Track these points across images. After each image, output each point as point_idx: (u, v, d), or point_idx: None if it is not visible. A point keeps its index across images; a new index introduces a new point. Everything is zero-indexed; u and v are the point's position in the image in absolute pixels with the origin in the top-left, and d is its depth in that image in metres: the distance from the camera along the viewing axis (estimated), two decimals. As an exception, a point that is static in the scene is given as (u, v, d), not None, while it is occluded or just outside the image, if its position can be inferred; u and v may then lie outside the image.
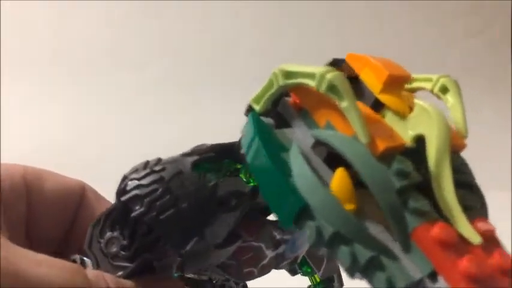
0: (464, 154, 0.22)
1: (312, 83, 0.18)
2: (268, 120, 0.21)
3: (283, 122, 0.21)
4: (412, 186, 0.17)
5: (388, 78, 0.20)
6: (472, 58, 1.02)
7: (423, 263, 0.16)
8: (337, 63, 0.22)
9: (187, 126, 0.78)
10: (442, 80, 0.22)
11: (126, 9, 0.93)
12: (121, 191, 0.23)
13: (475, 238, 0.17)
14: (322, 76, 0.18)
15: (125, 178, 0.23)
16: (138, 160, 0.25)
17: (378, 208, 0.17)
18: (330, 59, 0.23)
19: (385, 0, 0.97)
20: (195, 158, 0.24)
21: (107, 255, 0.23)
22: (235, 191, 0.24)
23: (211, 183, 0.23)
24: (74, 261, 0.24)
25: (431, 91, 0.22)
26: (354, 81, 0.21)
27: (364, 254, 0.16)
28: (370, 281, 0.16)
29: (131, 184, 0.23)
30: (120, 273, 0.23)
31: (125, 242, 0.23)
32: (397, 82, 0.21)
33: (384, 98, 0.20)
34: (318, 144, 0.19)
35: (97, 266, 0.23)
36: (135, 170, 0.24)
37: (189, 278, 0.29)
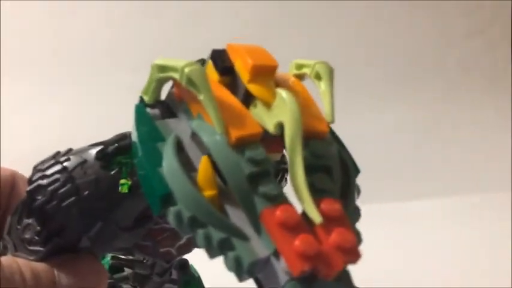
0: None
1: (177, 76, 0.19)
2: (153, 112, 0.22)
3: (171, 113, 0.22)
4: (263, 172, 0.19)
5: (253, 68, 0.21)
6: (472, 58, 1.02)
7: (268, 243, 0.18)
8: (216, 54, 0.22)
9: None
10: (317, 67, 0.22)
11: (126, 9, 0.93)
12: (28, 181, 0.24)
13: (317, 218, 0.18)
14: (182, 70, 0.19)
15: (33, 168, 0.25)
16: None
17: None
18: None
19: (385, 0, 0.97)
20: (100, 147, 0.25)
21: (23, 240, 0.24)
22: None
23: (113, 171, 0.24)
24: None
25: (310, 77, 0.23)
26: (232, 71, 0.22)
27: (216, 236, 0.18)
28: (225, 262, 0.18)
29: (36, 175, 0.24)
30: (34, 257, 0.24)
31: (38, 228, 0.24)
32: (264, 72, 0.21)
33: (251, 87, 0.21)
34: (195, 134, 0.20)
35: (15, 251, 0.25)
36: (43, 161, 0.25)
37: (122, 258, 0.31)
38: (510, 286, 0.58)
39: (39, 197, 0.23)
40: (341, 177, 0.21)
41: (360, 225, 0.23)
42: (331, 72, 0.22)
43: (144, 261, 0.32)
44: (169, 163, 0.19)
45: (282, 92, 0.20)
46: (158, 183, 0.19)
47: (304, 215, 0.18)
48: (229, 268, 0.17)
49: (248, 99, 0.21)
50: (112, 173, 0.24)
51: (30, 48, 0.92)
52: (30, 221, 0.24)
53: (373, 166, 0.50)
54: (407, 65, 0.99)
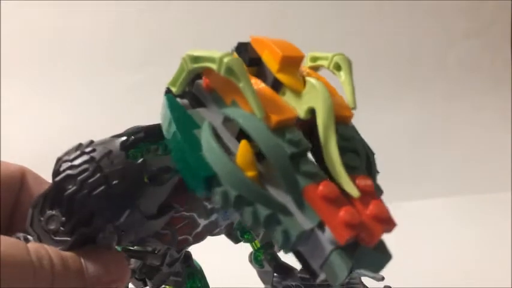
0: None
1: (214, 66, 0.21)
2: (183, 102, 0.24)
3: (198, 102, 0.24)
4: (302, 152, 0.20)
5: (282, 59, 0.22)
6: (472, 58, 1.02)
7: (312, 216, 0.19)
8: (242, 47, 0.24)
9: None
10: (336, 58, 0.24)
11: (126, 10, 0.93)
12: (55, 173, 0.24)
13: (355, 192, 0.19)
14: (221, 60, 0.20)
15: (58, 160, 0.25)
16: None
17: (275, 174, 0.20)
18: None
19: (385, 0, 0.97)
20: (124, 138, 0.26)
21: (48, 231, 0.25)
22: (164, 166, 0.26)
23: (138, 160, 0.25)
24: (18, 238, 0.25)
25: (328, 68, 0.25)
26: (259, 62, 0.24)
27: (263, 212, 0.19)
28: (271, 236, 0.19)
29: (64, 165, 0.24)
30: (61, 247, 0.24)
31: (63, 219, 0.24)
32: (292, 62, 0.23)
33: (280, 77, 0.22)
34: (227, 120, 0.22)
35: (39, 242, 0.25)
36: (67, 153, 0.25)
37: (133, 250, 0.32)
38: (510, 286, 0.58)
39: (69, 187, 0.24)
40: (365, 158, 0.23)
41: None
42: (349, 63, 0.24)
43: (156, 252, 0.32)
44: (210, 147, 0.20)
45: (313, 80, 0.22)
46: (202, 166, 0.20)
47: (342, 191, 0.20)
48: (278, 242, 0.18)
49: (276, 88, 0.23)
50: (138, 162, 0.25)
51: (30, 48, 0.92)
52: (54, 212, 0.25)
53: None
54: (407, 65, 0.99)
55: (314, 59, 0.26)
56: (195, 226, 0.30)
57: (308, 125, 0.22)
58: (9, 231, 0.26)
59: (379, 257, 0.19)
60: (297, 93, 0.22)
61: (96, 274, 0.24)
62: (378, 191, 0.22)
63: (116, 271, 0.25)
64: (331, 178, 0.20)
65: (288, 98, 0.22)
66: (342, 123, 0.23)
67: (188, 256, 0.35)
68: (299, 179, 0.19)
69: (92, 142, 0.26)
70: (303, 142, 0.20)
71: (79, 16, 0.92)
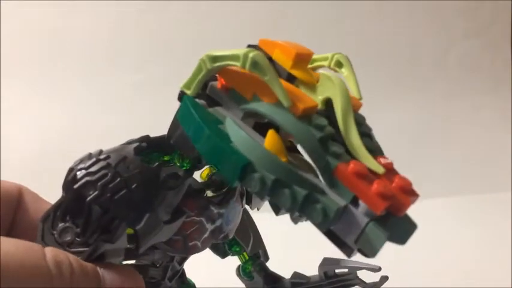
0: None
1: (237, 63, 0.22)
2: (201, 102, 0.24)
3: (213, 103, 0.25)
4: (328, 136, 0.22)
5: (296, 56, 0.24)
6: (472, 58, 1.02)
7: (346, 193, 0.20)
8: (252, 48, 0.24)
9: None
10: (337, 57, 0.26)
11: (126, 10, 0.93)
12: (71, 181, 0.25)
13: (380, 169, 0.21)
14: (246, 56, 0.21)
15: (72, 170, 0.25)
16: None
17: (302, 161, 0.22)
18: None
19: (385, 0, 0.97)
20: (136, 144, 0.26)
21: (62, 244, 0.24)
22: (172, 173, 0.27)
23: (153, 165, 0.26)
24: None
25: (329, 66, 0.27)
26: (270, 61, 0.24)
27: (301, 192, 0.20)
28: (308, 215, 0.20)
29: (80, 173, 0.25)
30: (78, 257, 0.24)
31: (78, 230, 0.24)
32: (303, 59, 0.25)
33: (294, 72, 0.24)
34: (246, 116, 0.23)
35: None
36: (81, 161, 0.25)
37: (133, 264, 0.31)
38: (510, 286, 0.58)
39: (90, 193, 0.24)
40: (376, 141, 0.25)
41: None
42: (349, 59, 0.26)
43: (157, 265, 0.32)
44: (242, 137, 0.21)
45: (327, 73, 0.24)
46: (237, 156, 0.21)
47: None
48: (316, 219, 0.20)
49: (290, 83, 0.24)
50: (154, 166, 0.26)
51: (30, 48, 0.92)
52: (67, 224, 0.24)
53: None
54: (407, 65, 0.99)
55: (311, 61, 0.27)
56: (203, 231, 0.30)
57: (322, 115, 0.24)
58: None
59: (407, 227, 0.21)
60: (311, 86, 0.24)
61: (113, 284, 0.24)
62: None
63: (132, 283, 0.25)
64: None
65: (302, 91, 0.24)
66: (354, 111, 0.24)
67: (182, 272, 0.35)
68: (329, 159, 0.21)
69: (102, 151, 0.26)
70: (327, 126, 0.22)
71: (79, 16, 0.92)
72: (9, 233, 0.27)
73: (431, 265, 0.64)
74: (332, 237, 0.21)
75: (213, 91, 0.25)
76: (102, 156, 0.25)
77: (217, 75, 0.25)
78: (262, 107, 0.22)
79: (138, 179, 0.25)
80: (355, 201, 0.20)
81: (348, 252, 0.21)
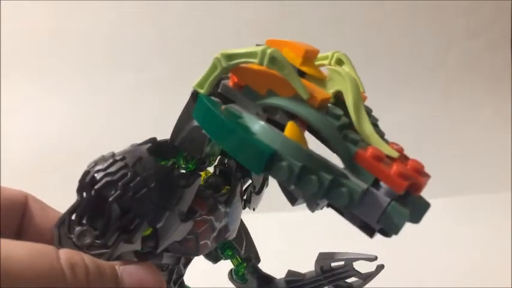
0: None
1: (254, 60, 0.22)
2: (216, 100, 0.25)
3: (225, 101, 0.25)
4: (345, 125, 0.23)
5: (305, 53, 0.25)
6: (472, 58, 1.02)
7: (367, 176, 0.22)
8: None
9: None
10: (337, 55, 0.27)
11: (126, 9, 0.93)
12: (89, 183, 0.24)
13: (394, 153, 0.23)
14: (264, 52, 0.22)
15: (88, 172, 0.25)
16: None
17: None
18: None
19: (385, 0, 0.97)
20: (149, 145, 0.27)
21: (81, 247, 0.24)
22: (181, 173, 0.28)
23: (168, 164, 0.26)
24: None
25: (329, 65, 0.28)
26: None
27: (327, 177, 0.21)
28: (334, 199, 0.21)
29: (99, 174, 0.25)
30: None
31: (96, 232, 0.24)
32: (311, 55, 0.26)
33: (304, 69, 0.25)
34: (261, 111, 0.24)
35: None
36: (96, 164, 0.25)
37: None
38: (510, 286, 0.58)
39: (112, 192, 0.24)
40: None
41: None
42: (348, 57, 0.27)
43: (163, 269, 0.32)
44: (264, 128, 0.22)
45: (336, 68, 0.25)
46: (263, 146, 0.21)
47: None
48: (343, 202, 0.21)
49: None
50: (168, 165, 0.26)
51: (30, 48, 0.92)
52: (84, 227, 0.24)
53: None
54: (407, 65, 0.99)
55: None
56: (213, 230, 0.31)
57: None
58: None
59: (422, 206, 0.22)
60: (320, 81, 0.25)
61: (132, 284, 0.23)
62: None
63: (153, 280, 0.24)
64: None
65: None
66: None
67: (182, 279, 0.35)
68: (349, 146, 0.22)
69: (114, 153, 0.26)
70: (343, 116, 0.23)
71: (79, 16, 0.92)
72: (18, 238, 0.27)
73: (431, 265, 0.64)
74: (353, 220, 0.23)
75: (226, 89, 0.25)
76: (118, 157, 0.25)
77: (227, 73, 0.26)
78: (282, 100, 0.23)
79: (155, 178, 0.25)
80: (375, 184, 0.22)
81: (370, 233, 0.23)
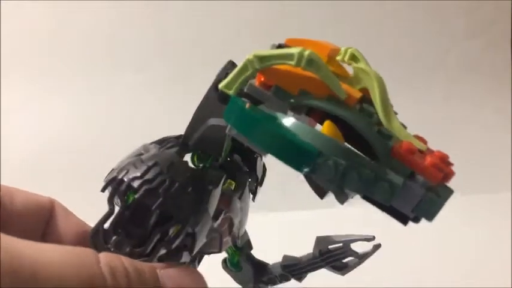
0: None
1: (290, 62, 0.22)
2: (245, 100, 0.25)
3: (255, 101, 0.25)
4: (378, 122, 0.24)
5: (331, 52, 0.26)
6: (472, 58, 1.02)
7: (403, 169, 0.23)
8: (281, 47, 0.26)
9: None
10: (350, 51, 0.28)
11: (126, 9, 0.93)
12: (126, 192, 0.24)
13: (424, 146, 0.24)
14: (301, 54, 0.22)
15: (122, 181, 0.24)
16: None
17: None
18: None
19: (385, 0, 0.97)
20: (177, 148, 0.27)
21: None
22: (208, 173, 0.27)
23: (200, 166, 0.26)
24: None
25: (342, 61, 0.28)
26: None
27: (370, 174, 0.21)
28: (375, 193, 0.22)
29: (136, 182, 0.24)
30: None
31: (134, 241, 0.24)
32: (334, 54, 0.27)
33: (330, 67, 0.25)
34: (289, 112, 0.24)
35: None
36: (128, 171, 0.25)
37: None
38: (510, 286, 0.58)
39: (154, 200, 0.24)
40: None
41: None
42: (361, 53, 0.28)
43: None
44: (305, 128, 0.22)
45: (362, 66, 0.26)
46: (309, 147, 0.22)
47: None
48: (384, 196, 0.22)
49: None
50: (200, 167, 0.26)
51: (30, 48, 0.92)
52: (121, 237, 0.24)
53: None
54: (406, 65, 0.99)
55: None
56: (232, 226, 0.31)
57: None
58: None
59: (449, 192, 0.24)
60: (345, 79, 0.26)
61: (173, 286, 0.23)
62: None
63: (194, 286, 0.24)
64: None
65: None
66: None
67: None
68: (385, 141, 0.23)
69: (141, 159, 0.25)
70: (375, 114, 0.24)
71: (79, 16, 0.92)
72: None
73: (431, 265, 0.64)
74: (386, 210, 0.24)
75: (254, 89, 0.25)
76: (150, 163, 0.25)
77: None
78: (320, 101, 0.24)
79: (191, 182, 0.25)
80: (411, 176, 0.23)
81: (404, 221, 0.24)
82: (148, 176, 0.24)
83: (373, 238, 0.33)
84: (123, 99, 0.92)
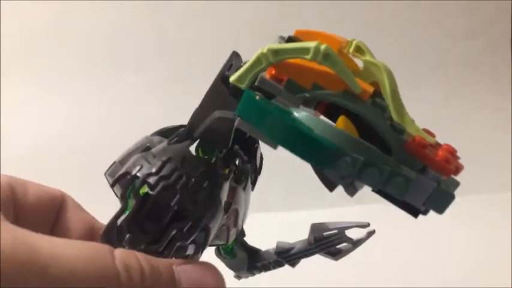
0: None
1: (306, 56, 0.22)
2: (258, 94, 0.24)
3: (268, 94, 0.25)
4: (390, 116, 0.24)
5: (341, 45, 0.26)
6: (472, 58, 1.01)
7: (415, 164, 0.23)
8: (292, 40, 0.26)
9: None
10: (356, 42, 0.27)
11: (126, 9, 0.93)
12: (138, 188, 0.23)
13: (433, 140, 0.24)
14: (317, 49, 0.22)
15: (135, 177, 0.24)
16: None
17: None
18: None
19: (385, 0, 0.97)
20: (188, 142, 0.26)
21: None
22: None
23: (212, 160, 0.26)
24: None
25: (348, 52, 0.27)
26: None
27: (386, 169, 0.22)
28: (390, 188, 0.22)
29: (152, 179, 0.24)
30: None
31: (149, 237, 0.24)
32: (343, 46, 0.27)
33: None
34: (302, 106, 0.24)
35: None
36: (141, 166, 0.24)
37: None
38: (510, 286, 0.58)
39: (171, 196, 0.23)
40: None
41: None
42: (367, 45, 0.27)
43: None
44: (322, 124, 0.23)
45: (371, 59, 0.26)
46: (327, 142, 0.22)
47: None
48: (399, 190, 0.22)
49: None
50: (212, 161, 0.26)
51: (30, 48, 0.92)
52: (136, 234, 0.24)
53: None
54: (406, 65, 0.99)
55: None
56: (238, 218, 0.30)
57: None
58: None
59: (456, 184, 0.24)
60: (356, 73, 0.25)
61: (190, 285, 0.22)
62: None
63: (212, 283, 0.23)
64: None
65: None
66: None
67: None
68: (398, 135, 0.23)
69: (153, 154, 0.25)
70: (388, 108, 0.24)
71: (79, 16, 0.92)
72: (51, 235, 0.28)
73: (431, 265, 0.64)
74: (396, 203, 0.24)
75: (265, 82, 0.24)
76: (164, 158, 0.24)
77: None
78: (334, 95, 0.23)
79: (205, 177, 0.24)
80: (424, 170, 0.23)
81: (415, 213, 0.24)
82: (164, 172, 0.24)
83: (368, 225, 0.33)
84: (123, 99, 0.92)
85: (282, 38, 0.27)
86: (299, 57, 0.23)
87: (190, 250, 0.29)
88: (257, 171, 0.34)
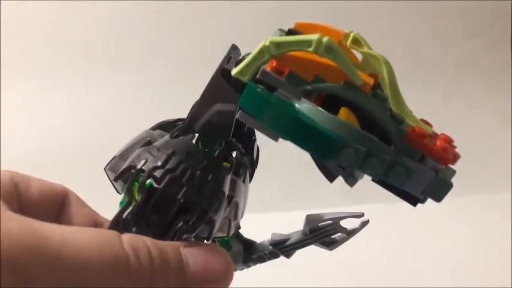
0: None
1: (308, 48, 0.22)
2: (261, 87, 0.24)
3: (269, 87, 0.25)
4: (389, 106, 0.24)
5: (342, 37, 0.26)
6: (472, 58, 1.02)
7: (415, 153, 0.23)
8: (293, 32, 0.26)
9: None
10: (353, 35, 0.27)
11: (126, 9, 0.93)
12: (144, 182, 0.24)
13: (431, 130, 0.25)
14: (320, 41, 0.22)
15: (140, 170, 0.24)
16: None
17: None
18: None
19: (385, 0, 0.97)
20: (192, 135, 0.26)
21: None
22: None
23: (215, 153, 0.26)
24: None
25: (346, 44, 0.28)
26: None
27: (387, 159, 0.22)
28: (392, 178, 0.22)
29: (158, 172, 0.24)
30: None
31: (155, 230, 0.24)
32: (343, 39, 0.27)
33: None
34: (303, 98, 0.24)
35: None
36: (146, 160, 0.24)
37: None
38: (510, 286, 0.58)
39: (178, 189, 0.23)
40: None
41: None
42: (364, 38, 0.28)
43: None
44: (327, 117, 0.23)
45: (370, 51, 0.26)
46: (331, 133, 0.22)
47: None
48: (400, 180, 0.22)
49: None
50: (216, 154, 0.26)
51: (30, 48, 0.92)
52: (142, 228, 0.24)
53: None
54: (406, 65, 0.99)
55: None
56: (238, 210, 0.30)
57: None
58: None
59: (452, 172, 0.24)
60: (356, 65, 0.26)
61: (198, 269, 0.22)
62: None
63: (220, 265, 0.23)
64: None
65: None
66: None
67: None
68: (398, 126, 0.23)
69: (157, 147, 0.25)
70: (388, 99, 0.24)
71: (79, 16, 0.92)
72: None
73: (431, 265, 0.64)
74: (395, 191, 0.24)
75: (266, 75, 0.24)
76: (169, 151, 0.24)
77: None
78: (336, 87, 0.24)
79: (210, 169, 0.25)
80: (423, 159, 0.23)
81: (413, 202, 0.25)
82: (169, 166, 0.24)
83: (362, 215, 0.33)
84: (123, 99, 0.92)
85: (281, 30, 0.27)
86: (301, 50, 0.23)
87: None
88: (254, 163, 0.34)
